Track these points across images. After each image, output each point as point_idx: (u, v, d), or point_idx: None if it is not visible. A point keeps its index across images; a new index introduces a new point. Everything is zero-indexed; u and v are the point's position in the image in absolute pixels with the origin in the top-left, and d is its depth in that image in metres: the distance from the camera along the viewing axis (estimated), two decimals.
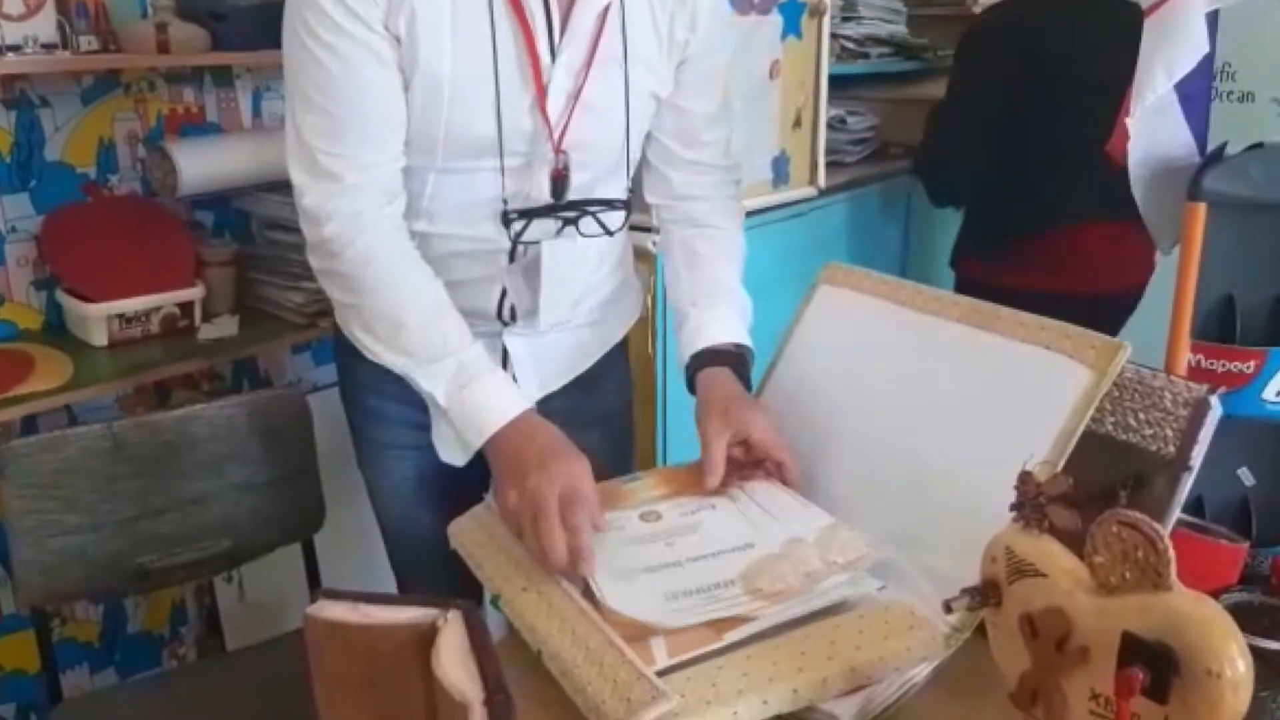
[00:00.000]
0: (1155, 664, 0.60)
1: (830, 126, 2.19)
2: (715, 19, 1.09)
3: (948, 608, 0.74)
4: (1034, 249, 1.91)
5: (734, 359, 1.08)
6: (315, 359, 1.99)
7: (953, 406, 0.91)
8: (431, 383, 0.97)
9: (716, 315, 1.11)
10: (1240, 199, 1.08)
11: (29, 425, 1.54)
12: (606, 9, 0.98)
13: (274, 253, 1.75)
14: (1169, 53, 1.10)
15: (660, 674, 0.74)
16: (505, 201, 1.02)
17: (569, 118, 1.00)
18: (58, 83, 1.58)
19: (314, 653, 0.67)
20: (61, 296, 1.59)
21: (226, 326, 1.63)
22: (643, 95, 1.06)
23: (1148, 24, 1.14)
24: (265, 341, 1.69)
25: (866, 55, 2.42)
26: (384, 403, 1.14)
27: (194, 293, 1.62)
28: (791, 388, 1.07)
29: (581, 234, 1.06)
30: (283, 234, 1.73)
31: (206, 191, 1.66)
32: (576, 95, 1.00)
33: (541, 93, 0.98)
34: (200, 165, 1.61)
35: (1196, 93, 1.19)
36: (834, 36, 2.21)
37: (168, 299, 1.59)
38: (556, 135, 1.00)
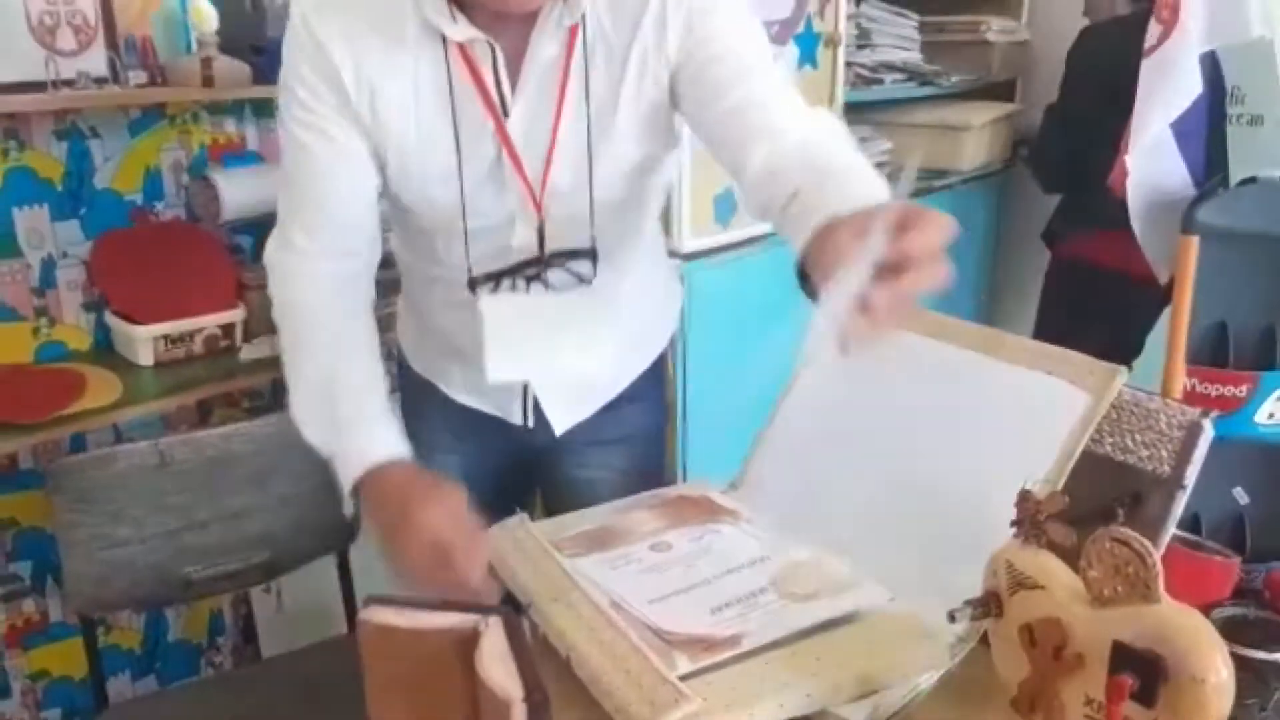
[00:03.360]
0: (1144, 671, 0.64)
1: None
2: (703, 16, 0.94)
3: (952, 618, 0.77)
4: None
5: None
6: None
7: (958, 427, 0.95)
8: (312, 433, 0.98)
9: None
10: (1230, 231, 1.11)
11: (77, 441, 1.59)
12: (567, 57, 0.94)
13: None
14: (1166, 95, 1.15)
15: (682, 678, 0.78)
16: (470, 269, 1.02)
17: (545, 174, 0.98)
18: (107, 115, 1.64)
19: (365, 654, 0.72)
20: (110, 318, 1.64)
21: (266, 347, 1.67)
22: (613, 139, 0.99)
23: (1145, 66, 1.18)
24: None
25: (880, 81, 2.46)
26: (428, 406, 1.19)
27: (235, 314, 1.67)
28: (799, 409, 1.11)
29: (550, 286, 1.04)
30: None
31: (247, 217, 1.71)
32: (550, 149, 0.97)
33: (510, 152, 0.97)
34: (241, 192, 1.67)
35: (1191, 129, 1.23)
36: (848, 64, 2.26)
37: (210, 321, 1.64)
38: (537, 192, 0.99)
